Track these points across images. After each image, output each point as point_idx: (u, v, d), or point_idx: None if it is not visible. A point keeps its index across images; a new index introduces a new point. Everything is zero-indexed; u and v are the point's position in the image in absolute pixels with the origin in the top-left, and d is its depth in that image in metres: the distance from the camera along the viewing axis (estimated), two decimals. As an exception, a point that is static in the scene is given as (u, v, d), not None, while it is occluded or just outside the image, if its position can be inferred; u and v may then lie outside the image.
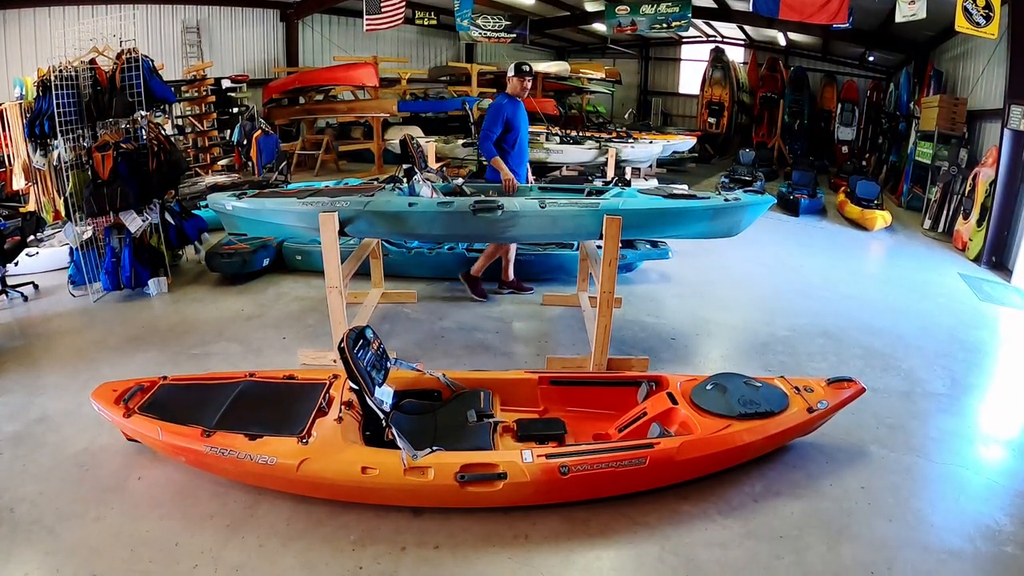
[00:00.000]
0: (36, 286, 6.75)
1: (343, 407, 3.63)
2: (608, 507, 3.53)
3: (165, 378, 4.08)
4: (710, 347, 5.82)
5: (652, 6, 13.93)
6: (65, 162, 6.28)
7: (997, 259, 8.54)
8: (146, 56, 6.66)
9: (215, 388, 3.96)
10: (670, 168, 15.88)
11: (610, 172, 10.89)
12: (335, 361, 3.56)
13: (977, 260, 8.74)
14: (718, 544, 3.32)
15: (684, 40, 23.97)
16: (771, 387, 4.08)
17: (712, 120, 19.31)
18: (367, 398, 3.43)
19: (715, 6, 15.81)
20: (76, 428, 4.18)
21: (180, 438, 3.54)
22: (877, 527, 3.46)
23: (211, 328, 5.86)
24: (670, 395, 4.01)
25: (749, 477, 3.83)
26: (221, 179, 10.95)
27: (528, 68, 6.14)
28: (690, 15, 13.72)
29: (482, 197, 5.08)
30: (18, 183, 7.55)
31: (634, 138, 13.47)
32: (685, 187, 5.99)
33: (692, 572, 3.14)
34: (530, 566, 3.14)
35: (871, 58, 17.52)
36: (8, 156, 7.60)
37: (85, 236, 6.44)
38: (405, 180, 5.13)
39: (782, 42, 20.14)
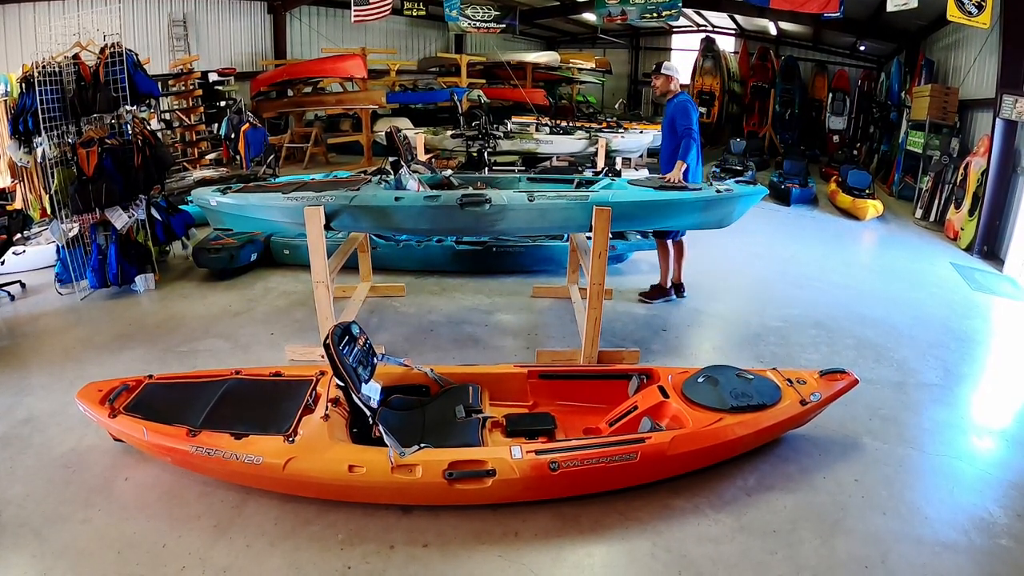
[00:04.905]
0: (23, 285, 6.68)
1: (330, 404, 3.59)
2: (599, 503, 3.50)
3: (151, 377, 4.03)
4: (702, 338, 5.80)
5: (642, -5, 13.85)
6: (50, 159, 6.20)
7: (989, 248, 8.54)
8: (130, 50, 6.57)
9: (201, 387, 3.91)
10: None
11: (600, 162, 10.85)
12: (322, 357, 3.51)
13: (969, 249, 8.74)
14: (711, 539, 3.30)
15: (674, 30, 23.90)
16: (763, 379, 4.06)
17: (703, 110, 19.24)
18: (353, 395, 3.39)
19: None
20: (63, 429, 4.13)
21: (165, 438, 3.50)
22: (871, 520, 3.45)
23: (199, 324, 5.80)
24: (661, 388, 3.98)
25: (742, 471, 3.80)
26: (209, 173, 10.87)
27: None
28: (680, 4, 13.64)
29: (469, 190, 5.03)
30: (3, 181, 7.48)
31: (624, 128, 13.43)
32: (676, 178, 5.92)
33: (684, 568, 3.12)
34: (520, 563, 3.11)
35: (862, 47, 17.50)
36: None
37: (71, 233, 6.37)
38: (392, 173, 5.08)
39: (773, 31, 20.11)
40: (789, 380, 4.07)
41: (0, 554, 3.13)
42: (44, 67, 6.11)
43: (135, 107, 6.62)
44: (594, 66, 21.75)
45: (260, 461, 3.32)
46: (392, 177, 5.04)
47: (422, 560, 3.13)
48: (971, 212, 8.98)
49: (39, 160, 6.36)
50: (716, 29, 22.15)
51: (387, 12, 13.90)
